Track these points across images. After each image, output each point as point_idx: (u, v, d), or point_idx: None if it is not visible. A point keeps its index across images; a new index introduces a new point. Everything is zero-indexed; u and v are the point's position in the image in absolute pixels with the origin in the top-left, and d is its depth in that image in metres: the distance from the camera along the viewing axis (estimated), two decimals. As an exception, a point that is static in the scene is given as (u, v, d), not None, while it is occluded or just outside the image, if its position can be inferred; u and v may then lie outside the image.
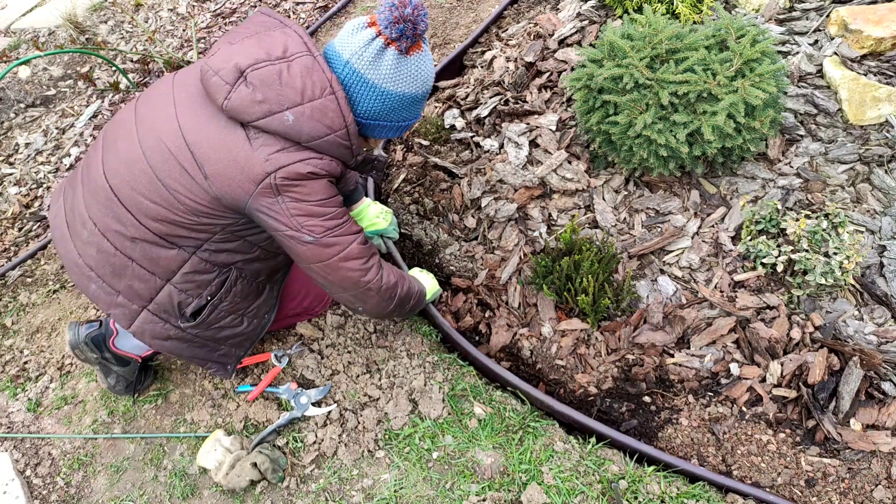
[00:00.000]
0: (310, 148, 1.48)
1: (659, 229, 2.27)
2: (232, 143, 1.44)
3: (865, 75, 2.40)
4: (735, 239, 2.18)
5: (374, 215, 2.26)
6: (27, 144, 3.24)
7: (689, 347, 2.04)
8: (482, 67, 3.02)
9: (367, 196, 2.32)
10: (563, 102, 2.67)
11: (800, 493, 1.78)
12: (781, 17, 2.70)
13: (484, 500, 1.74)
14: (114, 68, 3.55)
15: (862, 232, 2.09)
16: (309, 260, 1.59)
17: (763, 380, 1.93)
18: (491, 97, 2.78)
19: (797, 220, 2.05)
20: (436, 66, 3.27)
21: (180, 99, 1.53)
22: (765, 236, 2.10)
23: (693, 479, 1.83)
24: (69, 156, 3.16)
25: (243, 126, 1.45)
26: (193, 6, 4.13)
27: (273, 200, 1.47)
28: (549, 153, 2.50)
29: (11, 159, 3.18)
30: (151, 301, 1.67)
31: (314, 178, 1.48)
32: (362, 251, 1.63)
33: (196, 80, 1.54)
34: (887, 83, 2.37)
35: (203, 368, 2.06)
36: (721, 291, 2.10)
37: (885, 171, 2.21)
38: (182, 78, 1.58)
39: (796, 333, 1.96)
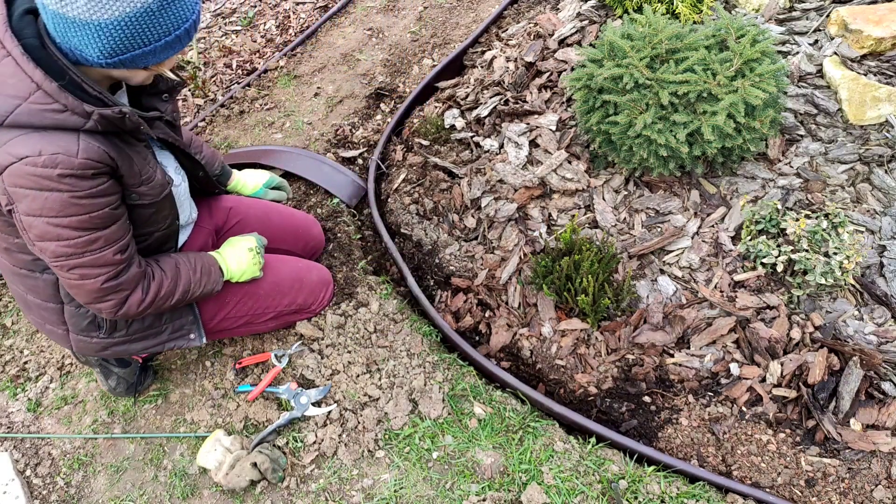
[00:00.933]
0: (19, 129, 1.23)
1: (659, 229, 2.27)
2: None
3: (865, 75, 2.40)
4: (735, 239, 2.18)
5: (254, 182, 2.17)
6: (27, 144, 3.24)
7: (689, 347, 2.04)
8: (482, 67, 3.02)
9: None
10: (563, 102, 2.67)
11: (800, 493, 1.78)
12: (781, 16, 2.70)
13: (484, 500, 1.74)
14: (114, 68, 3.55)
15: (862, 232, 2.09)
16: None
17: (763, 380, 1.93)
18: (491, 97, 2.78)
19: (797, 220, 2.05)
20: (436, 66, 3.28)
21: None
22: (765, 236, 2.10)
23: (693, 478, 1.83)
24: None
25: None
26: (193, 6, 4.13)
27: (11, 208, 1.31)
28: (549, 153, 2.50)
29: (11, 159, 3.18)
30: (66, 324, 1.65)
31: (41, 187, 1.26)
32: (103, 290, 1.43)
33: None
34: (887, 83, 2.37)
35: (170, 350, 1.95)
36: (721, 291, 2.10)
37: (885, 171, 2.21)
38: None
39: (796, 333, 1.96)
